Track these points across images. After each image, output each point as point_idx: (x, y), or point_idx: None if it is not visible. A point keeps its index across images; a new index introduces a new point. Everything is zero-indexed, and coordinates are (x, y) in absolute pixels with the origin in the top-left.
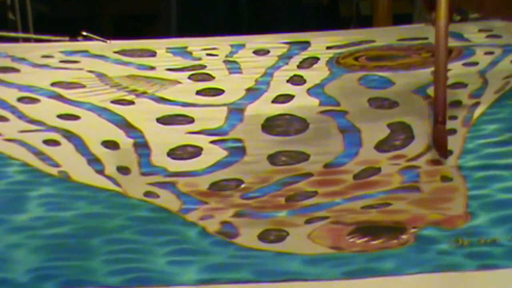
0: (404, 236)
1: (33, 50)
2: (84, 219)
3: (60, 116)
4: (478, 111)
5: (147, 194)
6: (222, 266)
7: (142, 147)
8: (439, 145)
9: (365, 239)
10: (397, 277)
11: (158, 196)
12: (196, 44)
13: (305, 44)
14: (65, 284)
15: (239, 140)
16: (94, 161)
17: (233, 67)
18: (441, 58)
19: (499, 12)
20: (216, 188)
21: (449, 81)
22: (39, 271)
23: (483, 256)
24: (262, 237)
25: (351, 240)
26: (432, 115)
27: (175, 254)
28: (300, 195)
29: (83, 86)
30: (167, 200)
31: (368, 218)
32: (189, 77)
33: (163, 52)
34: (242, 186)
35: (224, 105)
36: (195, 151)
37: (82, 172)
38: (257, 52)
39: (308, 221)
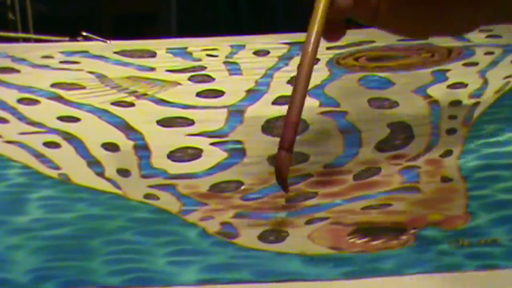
0: (404, 237)
1: (33, 51)
2: (84, 221)
3: (60, 118)
4: (478, 111)
5: (147, 196)
6: (222, 266)
7: (142, 149)
8: (279, 175)
9: (365, 239)
10: (397, 277)
11: (158, 198)
12: (196, 45)
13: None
14: (65, 284)
15: (239, 142)
16: (94, 164)
17: (233, 68)
18: (302, 78)
19: (394, 27)
20: (216, 189)
21: (449, 81)
22: (39, 272)
23: (483, 257)
24: (262, 237)
25: (351, 240)
26: (431, 115)
27: (175, 255)
28: (300, 196)
29: (83, 88)
30: (167, 202)
31: (368, 219)
32: (190, 79)
33: (163, 52)
34: (242, 187)
35: (224, 107)
36: (195, 153)
37: (82, 175)
38: (257, 53)
39: (308, 222)
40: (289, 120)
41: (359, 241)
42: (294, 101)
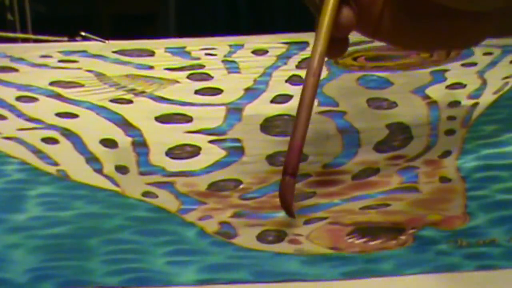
0: (403, 237)
1: (31, 50)
2: (82, 219)
3: (59, 114)
4: (477, 112)
5: (146, 194)
6: (221, 266)
7: (140, 146)
8: (284, 202)
9: (364, 239)
10: (396, 277)
11: (156, 196)
12: (194, 44)
13: (304, 44)
14: (63, 284)
15: (238, 140)
16: (92, 160)
17: (231, 66)
18: (307, 100)
19: (396, 40)
20: (215, 188)
21: (448, 82)
22: (37, 271)
23: (482, 257)
24: (261, 238)
25: (349, 240)
26: (430, 116)
27: (174, 255)
28: (299, 196)
29: (82, 86)
30: (166, 200)
31: (367, 219)
32: (188, 77)
33: (161, 52)
34: (241, 186)
35: (223, 104)
36: (194, 151)
37: (80, 171)
38: (255, 52)
39: (306, 222)
40: (293, 145)
41: (357, 241)
42: (298, 125)
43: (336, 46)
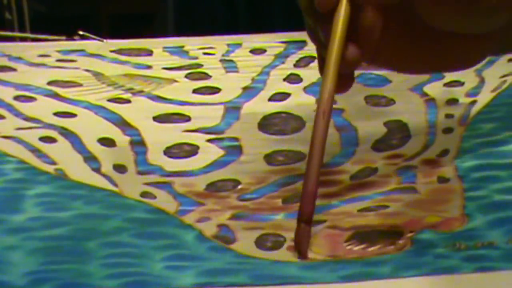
0: (401, 241)
1: (29, 50)
2: (80, 220)
3: (57, 114)
4: (474, 110)
5: (144, 194)
6: (219, 270)
7: (138, 145)
8: (300, 249)
9: (362, 246)
10: (394, 280)
11: (155, 197)
12: (192, 44)
13: (302, 43)
14: (62, 287)
15: (236, 139)
16: (90, 159)
17: (229, 66)
18: (318, 143)
19: (395, 66)
20: (213, 188)
21: (446, 80)
22: (36, 274)
23: (480, 259)
24: (260, 243)
25: (348, 247)
26: (428, 113)
27: (172, 259)
28: (297, 197)
29: (80, 85)
30: (164, 201)
31: (365, 222)
32: (186, 76)
33: (160, 51)
34: (239, 187)
35: (221, 103)
36: (192, 150)
37: (78, 170)
38: (253, 51)
39: None
40: (306, 191)
41: (356, 248)
42: (310, 170)
43: (343, 82)
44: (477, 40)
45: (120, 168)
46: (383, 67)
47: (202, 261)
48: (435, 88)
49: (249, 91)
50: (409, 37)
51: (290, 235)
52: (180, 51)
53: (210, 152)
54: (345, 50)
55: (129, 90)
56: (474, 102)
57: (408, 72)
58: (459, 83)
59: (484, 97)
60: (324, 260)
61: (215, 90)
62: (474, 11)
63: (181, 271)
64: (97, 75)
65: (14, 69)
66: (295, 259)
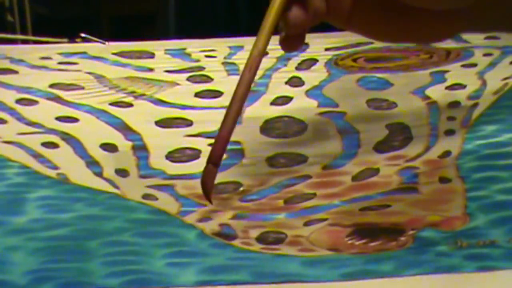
0: (402, 238)
1: (31, 52)
2: (82, 221)
3: (59, 118)
4: (476, 112)
5: (146, 196)
6: (220, 267)
7: (140, 149)
8: (204, 188)
9: (364, 241)
10: (395, 278)
11: (156, 199)
12: (194, 46)
13: (304, 46)
14: (63, 286)
15: (238, 143)
16: (92, 164)
17: (231, 68)
18: (239, 95)
19: (366, 31)
20: (215, 191)
21: (448, 83)
22: (37, 273)
23: (482, 258)
24: (261, 239)
25: (349, 242)
26: (429, 117)
27: (174, 256)
28: (299, 197)
29: (82, 88)
30: (166, 202)
31: (367, 220)
32: (188, 79)
33: (161, 53)
34: (241, 189)
35: (223, 107)
36: (194, 154)
37: (80, 175)
38: None
39: (306, 223)
40: (219, 136)
41: (357, 243)
42: (227, 117)
43: (291, 42)
44: (446, 17)
45: (122, 172)
46: (356, 33)
47: (203, 257)
48: (437, 91)
49: (251, 95)
50: (380, 9)
51: (291, 232)
52: (182, 53)
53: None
54: (288, 12)
55: (131, 93)
56: (476, 105)
57: (381, 41)
58: (461, 86)
59: (486, 100)
60: (326, 255)
61: (217, 94)
62: None
63: (182, 269)
64: (99, 78)
65: (16, 72)
66: (296, 253)
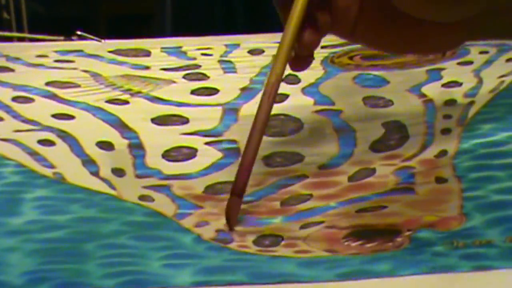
0: (399, 239)
1: (27, 50)
2: (79, 223)
3: (55, 116)
4: (473, 110)
5: (142, 198)
6: (216, 268)
7: (137, 148)
8: (228, 219)
9: (360, 242)
10: (392, 278)
11: (153, 200)
12: (190, 44)
13: None
14: (59, 286)
15: (234, 142)
16: (88, 162)
17: (227, 66)
18: (261, 120)
19: (371, 43)
20: (211, 191)
21: (444, 80)
22: (33, 274)
23: (478, 258)
24: (257, 242)
25: (346, 243)
26: (426, 115)
27: (170, 258)
28: (295, 199)
29: (78, 86)
30: (162, 204)
31: (363, 222)
32: (184, 77)
33: (157, 51)
34: None
35: (219, 105)
36: (190, 153)
37: (76, 174)
38: (252, 51)
39: (303, 227)
40: (242, 167)
41: (354, 244)
42: (249, 147)
43: (301, 62)
44: (451, 28)
45: (118, 172)
46: (361, 44)
47: (199, 259)
48: (433, 89)
49: (247, 92)
50: (384, 21)
51: (288, 235)
52: (178, 51)
53: (208, 155)
54: (302, 34)
55: (127, 91)
56: (472, 103)
57: (386, 52)
58: (457, 84)
59: (482, 98)
60: (322, 256)
61: (213, 91)
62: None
63: (178, 270)
64: (95, 76)
65: (12, 70)
66: (292, 254)
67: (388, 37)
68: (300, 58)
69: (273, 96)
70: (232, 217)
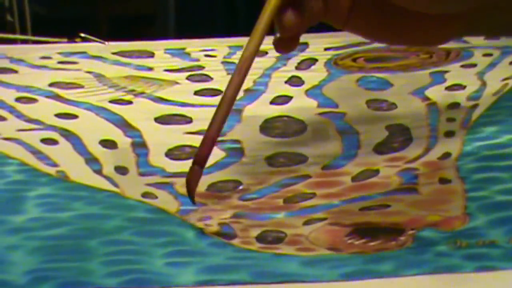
0: (402, 238)
1: (31, 52)
2: (81, 220)
3: (58, 115)
4: (476, 113)
5: (145, 195)
6: (220, 267)
7: (140, 146)
8: (188, 188)
9: (363, 240)
10: (395, 278)
11: (156, 197)
12: (194, 46)
13: (303, 46)
14: (63, 285)
15: (238, 141)
16: (92, 161)
17: (231, 68)
18: (229, 94)
19: (364, 33)
20: (214, 189)
21: (447, 83)
22: (37, 273)
23: (481, 258)
24: (261, 238)
25: (349, 241)
26: (429, 118)
27: (173, 256)
28: (298, 197)
29: (81, 87)
30: (165, 201)
31: (366, 220)
32: (187, 78)
33: (161, 53)
34: (240, 187)
35: None
36: (193, 152)
37: (79, 172)
38: None
39: (306, 223)
40: (206, 137)
41: (357, 242)
42: (215, 118)
43: (285, 44)
44: (444, 21)
45: (121, 170)
46: (354, 33)
47: (203, 256)
48: (436, 92)
49: (251, 94)
50: (378, 11)
51: (291, 232)
52: (181, 53)
53: (211, 154)
54: (282, 15)
55: (131, 91)
56: (475, 106)
57: (379, 43)
58: (461, 87)
59: (486, 100)
60: (325, 254)
61: (216, 92)
62: None
63: (181, 268)
64: (99, 77)
65: (15, 71)
66: (295, 252)
67: (381, 27)
68: (282, 39)
69: (244, 72)
70: (192, 186)
